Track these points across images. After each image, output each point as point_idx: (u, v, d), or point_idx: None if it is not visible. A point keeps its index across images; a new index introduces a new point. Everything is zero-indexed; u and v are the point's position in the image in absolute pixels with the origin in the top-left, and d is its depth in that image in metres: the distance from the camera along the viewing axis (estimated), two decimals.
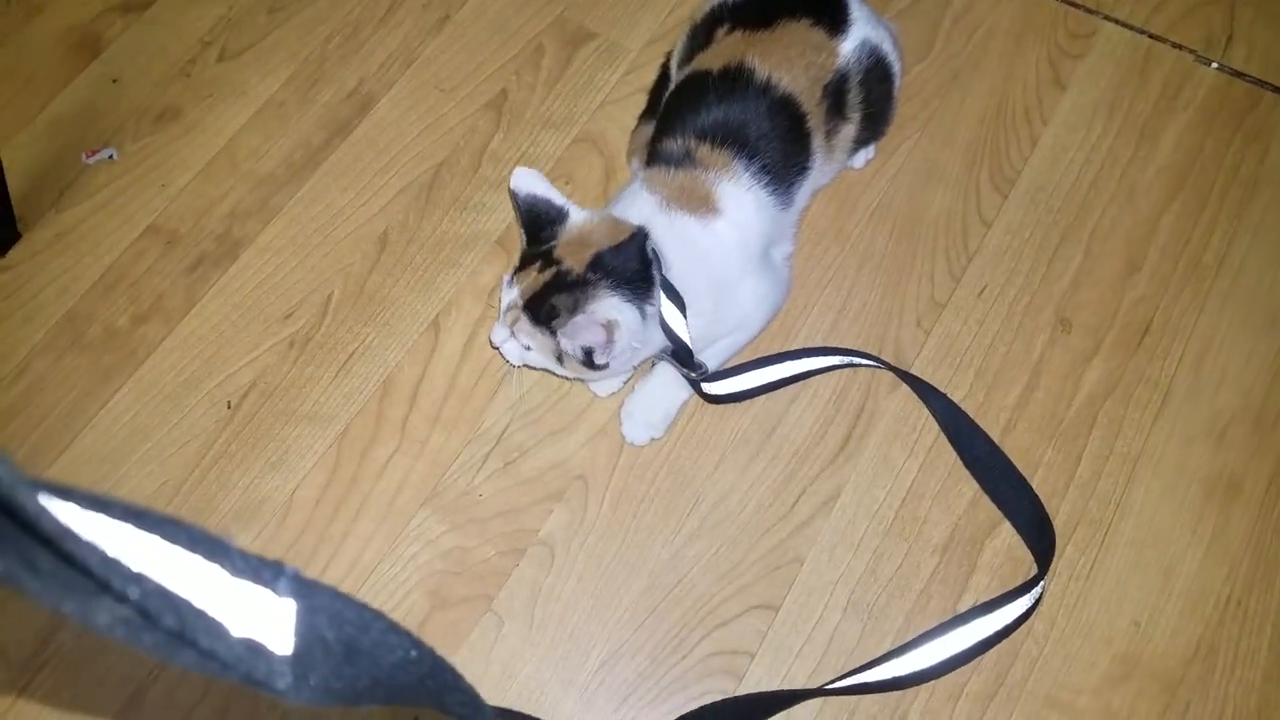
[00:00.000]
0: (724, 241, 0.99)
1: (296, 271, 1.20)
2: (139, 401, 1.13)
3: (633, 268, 0.94)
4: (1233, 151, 1.22)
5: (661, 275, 0.95)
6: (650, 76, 1.27)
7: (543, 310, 0.94)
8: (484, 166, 1.25)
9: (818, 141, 1.06)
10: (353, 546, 1.06)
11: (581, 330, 0.92)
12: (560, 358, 0.97)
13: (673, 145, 1.03)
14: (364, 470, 1.09)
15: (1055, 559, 1.00)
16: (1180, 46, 1.30)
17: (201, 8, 1.37)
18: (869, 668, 0.95)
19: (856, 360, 1.10)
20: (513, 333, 0.98)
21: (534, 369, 1.05)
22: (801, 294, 1.15)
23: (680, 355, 0.98)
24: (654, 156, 1.06)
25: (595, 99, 1.29)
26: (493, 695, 0.99)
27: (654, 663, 1.00)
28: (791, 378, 1.10)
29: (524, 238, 0.99)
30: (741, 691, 0.97)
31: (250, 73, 1.32)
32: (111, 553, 0.30)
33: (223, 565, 0.33)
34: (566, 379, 1.10)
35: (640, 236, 0.96)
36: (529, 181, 0.98)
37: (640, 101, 1.26)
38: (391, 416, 1.12)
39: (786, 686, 0.97)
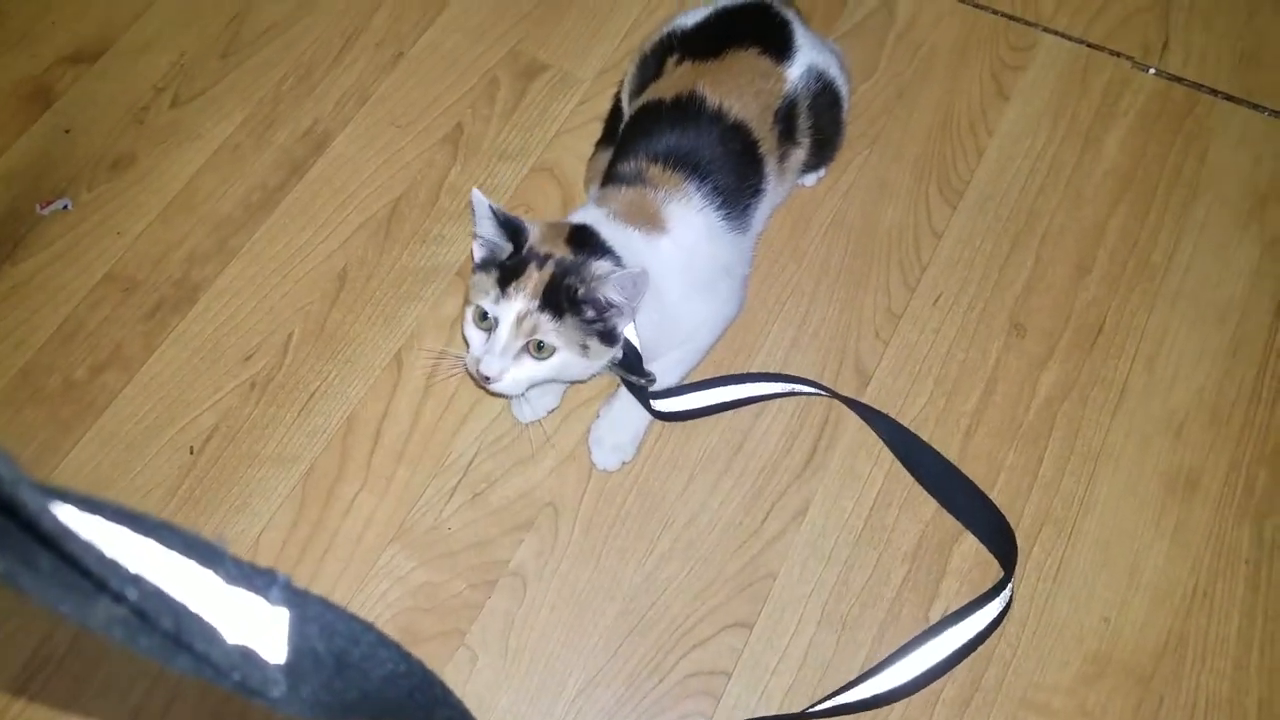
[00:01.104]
0: (666, 259, 1.00)
1: (256, 313, 1.20)
2: (100, 452, 1.12)
3: (601, 247, 0.95)
4: (1174, 154, 1.25)
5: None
6: (604, 105, 1.29)
7: (561, 296, 0.93)
8: (442, 199, 1.26)
9: (771, 165, 1.08)
10: (321, 586, 1.05)
11: (625, 282, 0.91)
12: (584, 345, 0.95)
13: (626, 167, 1.04)
14: (330, 509, 1.08)
15: (1021, 561, 1.01)
16: (1118, 54, 1.33)
17: (153, 55, 1.37)
18: (847, 689, 0.94)
19: (801, 389, 1.10)
20: (521, 351, 0.95)
21: (532, 388, 1.01)
22: (761, 311, 1.17)
23: (630, 361, 0.99)
24: (607, 179, 1.07)
25: (550, 129, 1.30)
26: None
27: (631, 688, 0.99)
28: (740, 401, 1.11)
29: (499, 250, 0.98)
30: (720, 713, 0.97)
31: (204, 117, 1.32)
32: (109, 554, 0.30)
33: (217, 571, 0.33)
34: (564, 381, 1.07)
35: (589, 227, 0.97)
36: (486, 199, 0.97)
37: (595, 130, 1.27)
38: (356, 454, 1.12)
39: (765, 703, 0.97)
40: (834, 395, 1.10)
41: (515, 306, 0.94)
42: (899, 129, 1.28)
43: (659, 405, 1.07)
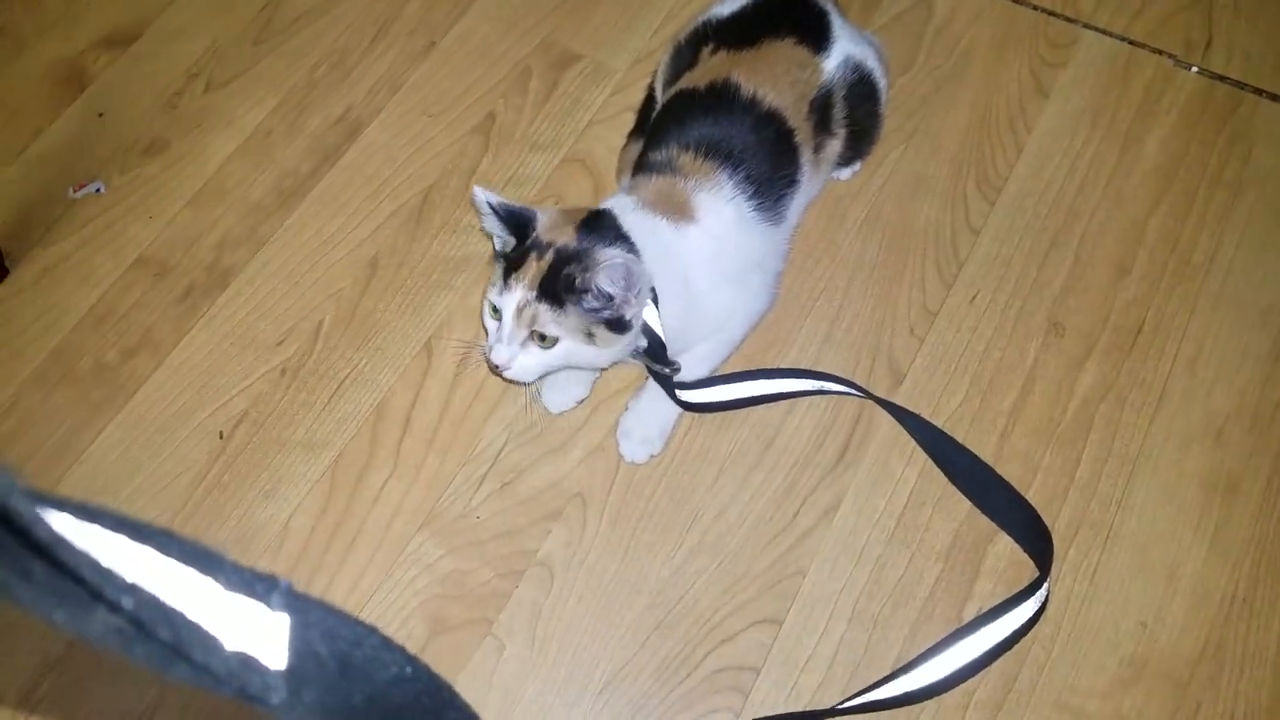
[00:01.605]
0: (696, 249, 0.99)
1: (287, 298, 1.20)
2: (130, 435, 1.12)
3: (613, 233, 0.94)
4: (1216, 154, 1.23)
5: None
6: (637, 96, 1.28)
7: (559, 285, 0.92)
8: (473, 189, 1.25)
9: (805, 156, 1.07)
10: (349, 573, 1.04)
11: (614, 271, 0.90)
12: (589, 334, 0.94)
13: (657, 156, 1.03)
14: (359, 496, 1.08)
15: (1056, 563, 1.00)
16: (1160, 51, 1.31)
17: (187, 40, 1.38)
18: (879, 686, 0.93)
19: (832, 387, 1.09)
20: (527, 340, 0.95)
21: (547, 375, 1.01)
22: (794, 306, 1.15)
23: (654, 350, 0.98)
24: (639, 168, 1.06)
25: (582, 119, 1.30)
26: (496, 718, 0.98)
27: (658, 682, 0.98)
28: (769, 396, 1.10)
29: (505, 243, 0.98)
30: (748, 709, 0.96)
31: (237, 103, 1.32)
32: (105, 563, 0.29)
33: (216, 579, 0.32)
34: (581, 369, 1.06)
35: (608, 212, 0.96)
36: (490, 194, 0.97)
37: (627, 121, 1.27)
38: (385, 441, 1.11)
39: (793, 700, 0.96)
40: (866, 395, 1.08)
41: (515, 297, 0.94)
42: (936, 124, 1.27)
43: (685, 396, 1.06)
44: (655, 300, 0.96)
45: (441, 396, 1.14)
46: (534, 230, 0.96)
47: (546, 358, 0.95)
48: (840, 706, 0.93)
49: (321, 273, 1.21)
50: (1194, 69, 1.30)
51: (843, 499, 1.05)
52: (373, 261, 1.22)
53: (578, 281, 0.91)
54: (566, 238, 0.94)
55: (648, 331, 0.97)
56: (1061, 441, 1.07)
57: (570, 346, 0.95)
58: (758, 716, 0.94)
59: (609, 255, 0.91)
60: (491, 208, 0.95)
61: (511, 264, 0.95)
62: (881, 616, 1.00)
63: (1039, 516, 1.00)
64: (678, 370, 1.02)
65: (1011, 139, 1.26)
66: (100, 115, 1.33)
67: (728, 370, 1.10)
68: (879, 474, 1.06)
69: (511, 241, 0.96)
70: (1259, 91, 1.27)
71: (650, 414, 1.08)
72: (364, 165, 1.27)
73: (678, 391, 1.05)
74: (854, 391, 1.09)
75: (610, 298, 0.91)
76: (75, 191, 1.27)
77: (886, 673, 0.96)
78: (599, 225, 0.95)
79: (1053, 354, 1.12)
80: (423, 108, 1.31)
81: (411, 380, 1.15)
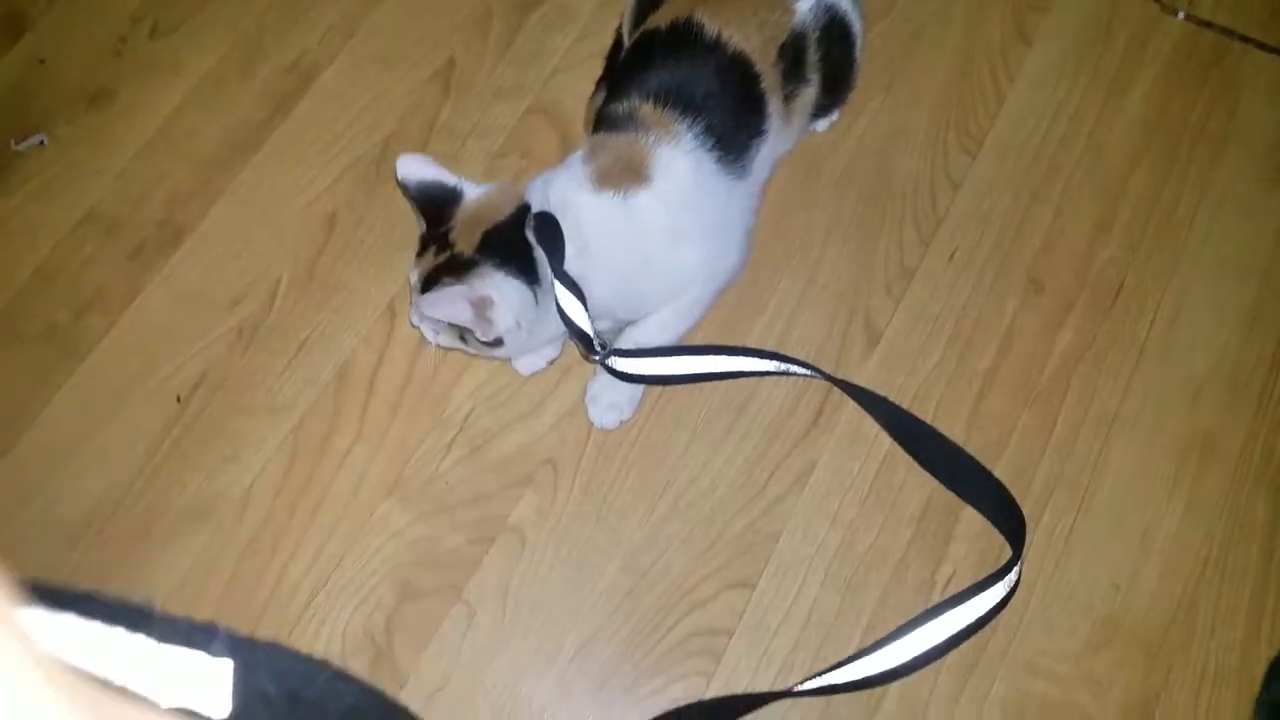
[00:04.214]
0: (644, 218, 0.96)
1: (242, 256, 1.15)
2: (84, 399, 1.08)
3: (520, 245, 0.94)
4: (1201, 105, 1.20)
5: (558, 267, 0.93)
6: (605, 40, 1.23)
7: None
8: (434, 140, 1.20)
9: (774, 105, 1.02)
10: (314, 541, 1.02)
11: (441, 303, 0.91)
12: (464, 337, 0.96)
13: (618, 108, 0.99)
14: (323, 462, 1.05)
15: (1031, 527, 0.99)
16: None
17: None
18: (839, 667, 0.92)
19: (794, 369, 1.05)
20: (423, 318, 0.97)
21: (449, 349, 1.03)
22: (770, 263, 1.12)
23: (579, 338, 0.96)
24: (599, 122, 1.02)
25: (547, 66, 1.24)
26: (466, 685, 0.97)
27: (631, 646, 0.97)
28: (722, 374, 1.06)
29: (422, 224, 0.97)
30: (721, 672, 0.95)
31: (185, 49, 1.25)
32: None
33: (148, 634, 0.31)
34: (483, 358, 1.06)
35: (523, 214, 0.95)
36: (416, 168, 0.96)
37: (595, 67, 1.21)
38: (350, 405, 1.08)
39: (766, 664, 0.96)
40: (828, 379, 1.05)
41: (412, 278, 0.95)
42: (916, 72, 1.23)
43: (622, 366, 1.01)
44: (580, 296, 0.94)
45: (407, 360, 1.10)
46: (452, 220, 0.95)
47: (441, 340, 0.98)
48: (798, 689, 0.92)
49: (277, 229, 1.16)
50: (1180, 15, 1.26)
51: (816, 464, 1.04)
52: (331, 218, 1.17)
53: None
54: (467, 244, 0.93)
55: (570, 324, 0.95)
56: (1039, 402, 1.06)
57: (450, 340, 0.98)
58: (721, 695, 0.93)
59: (455, 291, 0.91)
60: (407, 190, 0.93)
61: (423, 243, 0.95)
62: (854, 580, 0.99)
63: (1011, 496, 0.99)
64: (607, 356, 0.99)
65: (993, 89, 1.22)
66: (41, 62, 1.26)
67: (696, 338, 1.07)
68: (852, 438, 1.05)
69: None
70: (1246, 40, 1.24)
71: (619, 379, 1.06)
72: (319, 115, 1.22)
73: (611, 360, 1.01)
74: (816, 375, 1.05)
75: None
76: (17, 144, 1.21)
77: (858, 636, 0.96)
78: (505, 238, 0.94)
79: (1031, 313, 1.10)
80: (379, 54, 1.25)
81: (375, 343, 1.11)
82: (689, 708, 0.92)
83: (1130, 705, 0.92)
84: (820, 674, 0.92)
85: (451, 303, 0.91)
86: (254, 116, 1.21)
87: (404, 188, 0.94)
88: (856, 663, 0.91)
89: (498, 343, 0.95)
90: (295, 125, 1.21)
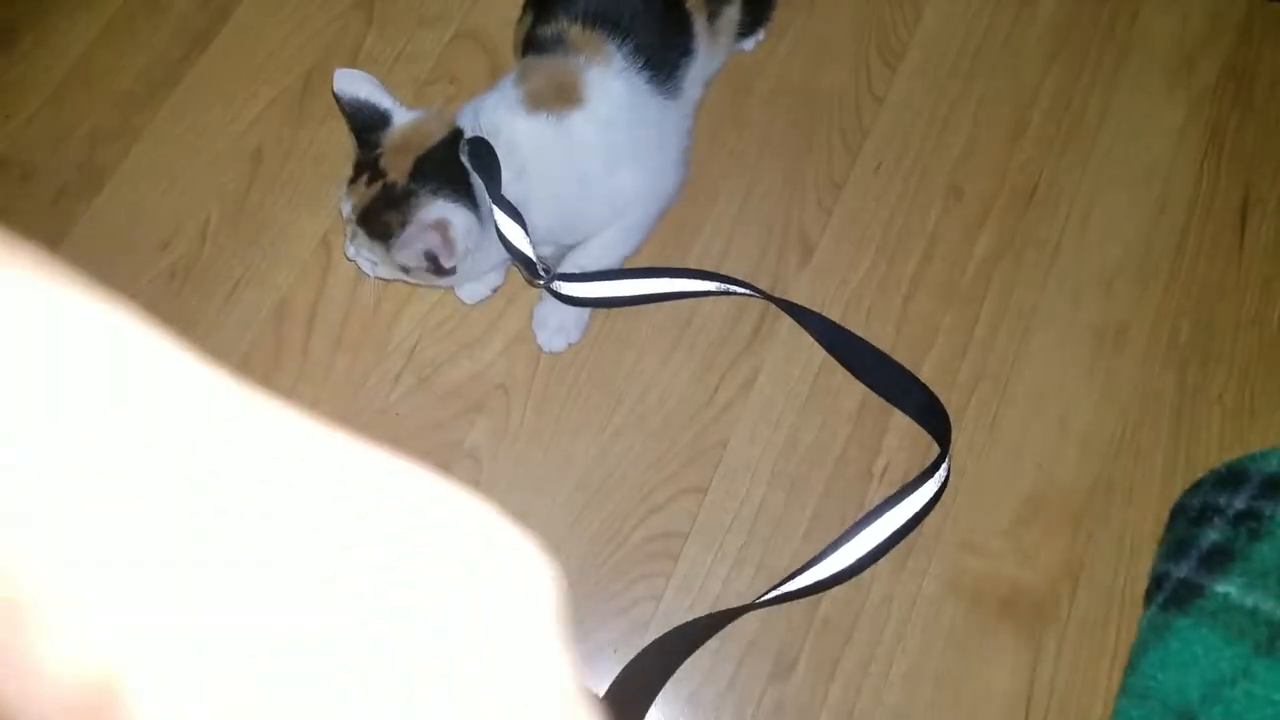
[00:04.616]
0: (579, 138, 0.97)
1: (168, 196, 1.13)
2: None
3: (454, 171, 0.94)
4: (1107, 12, 1.26)
5: (495, 191, 0.94)
6: None
7: (377, 228, 0.93)
8: (359, 70, 1.18)
9: (699, 24, 1.04)
10: None
11: (414, 240, 0.91)
12: (406, 269, 0.96)
13: (546, 31, 1.00)
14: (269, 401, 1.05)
15: (957, 420, 1.05)
16: None
17: None
18: (791, 579, 0.96)
19: (733, 289, 1.08)
20: (360, 249, 0.97)
21: (390, 281, 1.03)
22: (706, 183, 1.15)
23: (522, 262, 0.97)
24: (528, 45, 1.03)
25: None
26: None
27: (591, 556, 1.01)
28: (663, 295, 1.08)
29: (354, 144, 0.96)
30: (678, 571, 1.00)
31: None
32: None
33: None
34: (425, 287, 1.07)
35: (455, 139, 0.95)
36: (352, 83, 0.96)
37: None
38: (290, 343, 1.08)
39: (720, 559, 1.00)
40: (764, 296, 1.09)
41: (345, 208, 0.94)
42: None
43: (568, 290, 1.03)
44: (519, 220, 0.95)
45: (346, 293, 1.10)
46: (379, 144, 0.94)
47: (377, 269, 0.97)
48: (757, 601, 0.97)
49: (203, 167, 1.14)
50: None
51: (759, 372, 1.08)
52: (256, 153, 1.15)
53: (392, 235, 0.91)
54: (399, 172, 0.93)
55: (511, 249, 0.95)
56: (961, 302, 1.11)
57: (391, 272, 0.97)
58: (686, 620, 0.97)
59: (420, 221, 0.90)
60: (341, 104, 0.94)
61: (356, 168, 0.94)
62: (799, 476, 1.04)
63: (936, 398, 1.04)
64: (551, 280, 1.01)
65: (911, 2, 1.25)
66: None
67: (639, 260, 1.09)
68: (793, 345, 1.09)
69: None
70: None
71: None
72: (237, 49, 1.19)
73: (556, 284, 1.02)
74: (753, 294, 1.08)
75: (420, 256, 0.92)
76: None
77: (803, 528, 1.01)
78: (438, 163, 0.93)
79: (952, 218, 1.15)
80: None
81: (312, 278, 1.10)
82: (663, 639, 0.95)
83: (1055, 572, 0.99)
84: (777, 586, 0.96)
85: (422, 235, 0.91)
86: (170, 53, 1.18)
87: (338, 100, 0.93)
88: (808, 571, 0.96)
89: (448, 270, 0.96)
90: (213, 61, 1.18)
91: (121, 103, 1.15)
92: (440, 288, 1.06)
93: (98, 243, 1.10)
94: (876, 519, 0.98)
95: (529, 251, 0.96)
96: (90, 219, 1.11)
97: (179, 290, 1.09)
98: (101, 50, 1.17)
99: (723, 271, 1.10)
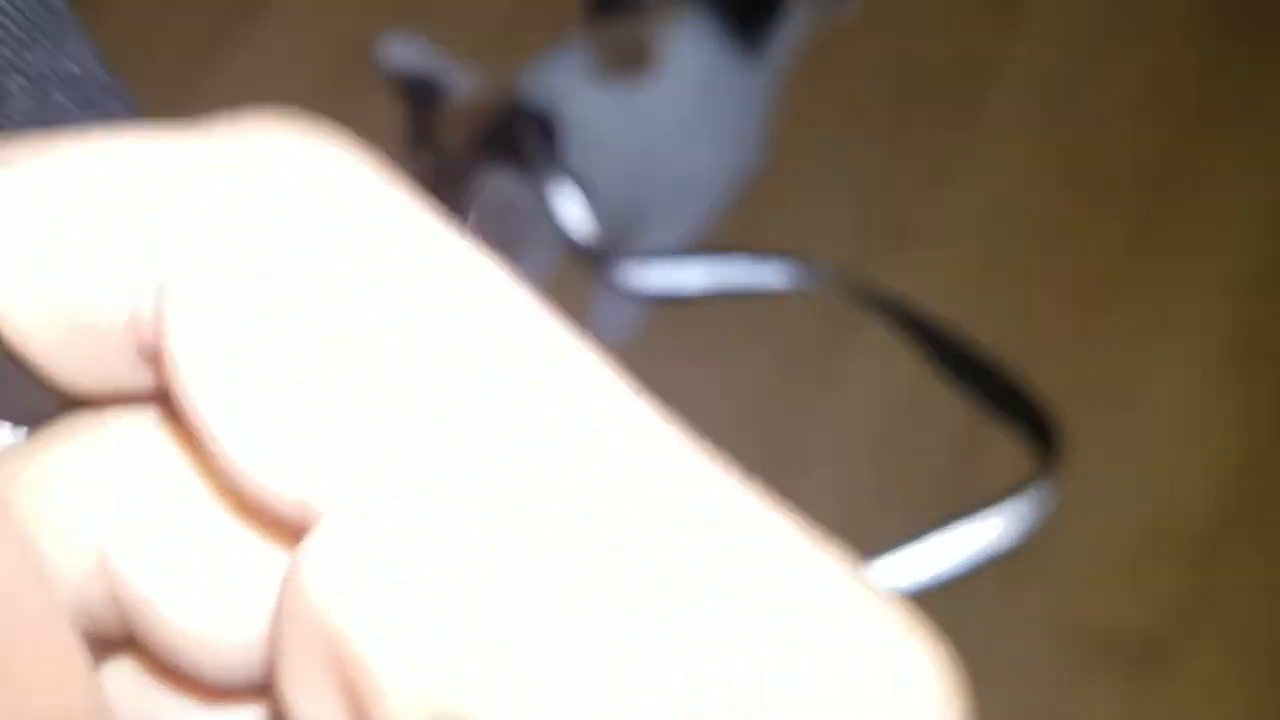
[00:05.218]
0: (654, 106, 0.94)
1: None
2: None
3: (512, 143, 0.91)
4: None
5: (557, 166, 0.91)
6: None
7: (430, 203, 0.90)
8: (418, 30, 1.12)
9: None
10: None
11: (483, 222, 0.88)
12: None
13: None
14: None
15: (1066, 447, 0.95)
16: None
17: None
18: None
19: (813, 287, 1.00)
20: None
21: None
22: (790, 158, 1.05)
23: (582, 247, 0.94)
24: (599, 4, 0.98)
25: None
26: None
27: None
28: (728, 290, 1.01)
29: (408, 113, 0.94)
30: None
31: None
32: None
33: None
34: None
35: (521, 112, 0.92)
36: (404, 51, 0.94)
37: None
38: None
39: None
40: (851, 296, 1.00)
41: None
42: None
43: (624, 275, 0.96)
44: (584, 192, 0.91)
45: None
46: (434, 114, 0.92)
47: None
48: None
49: None
50: None
51: (843, 371, 1.01)
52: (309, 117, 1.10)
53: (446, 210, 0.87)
54: (454, 144, 0.91)
55: (571, 226, 0.92)
56: (1080, 301, 1.03)
57: None
58: None
59: (472, 200, 0.89)
60: (395, 75, 0.92)
61: (409, 136, 0.93)
62: (884, 490, 0.97)
63: (1047, 411, 0.94)
64: (611, 263, 0.96)
65: None
66: None
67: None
68: (883, 345, 1.01)
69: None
70: None
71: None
72: (291, 8, 1.14)
73: (619, 272, 0.96)
74: (836, 288, 1.00)
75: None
76: None
77: (887, 549, 0.93)
78: (495, 136, 0.91)
79: (1073, 207, 1.06)
80: None
81: None
82: None
83: (1169, 612, 0.92)
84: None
85: (475, 215, 0.88)
86: (218, 20, 1.14)
87: (389, 74, 0.90)
88: (879, 561, 0.88)
89: (506, 248, 0.91)
90: (266, 21, 1.14)
91: (166, 74, 1.12)
92: None
93: None
94: (963, 530, 0.90)
95: (588, 231, 0.92)
96: None
97: None
98: (148, 20, 1.13)
99: (805, 258, 1.02)
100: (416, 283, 0.09)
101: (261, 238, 0.09)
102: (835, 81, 1.10)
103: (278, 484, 0.09)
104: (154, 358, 0.10)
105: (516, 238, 0.91)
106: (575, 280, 1.03)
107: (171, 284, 0.09)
